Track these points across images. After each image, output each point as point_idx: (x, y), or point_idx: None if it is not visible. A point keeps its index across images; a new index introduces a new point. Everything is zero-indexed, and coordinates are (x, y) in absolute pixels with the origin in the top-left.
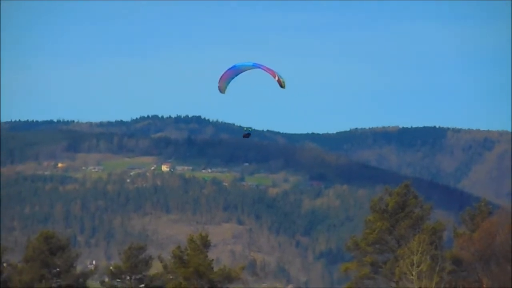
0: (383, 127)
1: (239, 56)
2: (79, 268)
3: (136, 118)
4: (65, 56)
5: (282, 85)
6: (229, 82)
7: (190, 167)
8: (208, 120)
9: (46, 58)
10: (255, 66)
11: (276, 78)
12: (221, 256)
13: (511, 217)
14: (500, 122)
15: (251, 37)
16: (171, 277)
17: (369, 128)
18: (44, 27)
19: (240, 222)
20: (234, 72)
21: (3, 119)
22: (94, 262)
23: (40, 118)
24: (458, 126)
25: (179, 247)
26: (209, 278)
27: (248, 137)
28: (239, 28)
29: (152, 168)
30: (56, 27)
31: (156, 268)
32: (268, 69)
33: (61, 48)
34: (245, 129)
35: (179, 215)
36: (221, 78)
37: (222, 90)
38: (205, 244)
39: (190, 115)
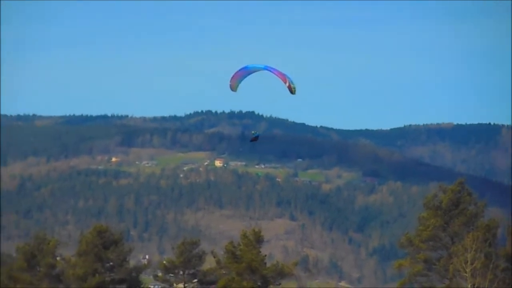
0: (437, 123)
1: (287, 50)
2: (132, 263)
3: (190, 114)
4: (120, 50)
5: (292, 91)
6: (240, 81)
7: (244, 163)
8: (262, 115)
9: (101, 52)
10: (266, 68)
11: (287, 84)
12: (274, 252)
13: None
14: None
15: (299, 32)
16: (224, 272)
17: (423, 125)
18: (95, 22)
19: (293, 218)
20: (245, 72)
21: (59, 113)
22: (147, 257)
23: (95, 112)
24: None
25: (232, 242)
26: (262, 273)
27: (256, 140)
28: (286, 23)
29: (206, 163)
30: (110, 21)
31: (209, 263)
32: (280, 73)
33: (115, 42)
34: (252, 132)
35: (232, 211)
36: (232, 77)
37: (233, 88)
38: (258, 239)
39: (243, 111)
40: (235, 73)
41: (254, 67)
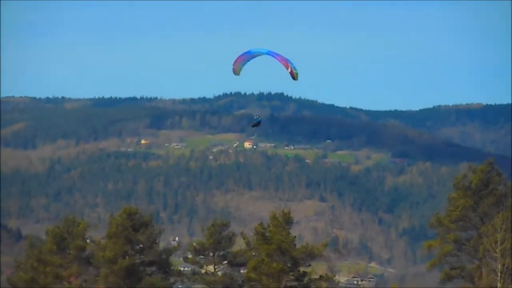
0: (467, 104)
1: (315, 31)
2: (162, 245)
3: (219, 95)
4: (149, 33)
5: (294, 77)
6: (243, 64)
7: (273, 144)
8: (291, 97)
9: (130, 34)
10: (269, 53)
11: (289, 70)
12: (304, 233)
13: None
14: None
15: (329, 12)
16: (253, 253)
17: (453, 105)
18: (125, 4)
19: (322, 199)
20: (248, 57)
21: (88, 96)
22: (177, 239)
23: (124, 95)
24: None
25: (261, 224)
26: (292, 255)
27: (258, 125)
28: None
29: (235, 145)
30: (140, 4)
31: (238, 245)
32: (282, 59)
33: (144, 24)
34: (256, 117)
35: (262, 192)
36: (235, 61)
37: (236, 72)
38: (288, 221)
39: (272, 92)
40: (238, 57)
41: (256, 51)
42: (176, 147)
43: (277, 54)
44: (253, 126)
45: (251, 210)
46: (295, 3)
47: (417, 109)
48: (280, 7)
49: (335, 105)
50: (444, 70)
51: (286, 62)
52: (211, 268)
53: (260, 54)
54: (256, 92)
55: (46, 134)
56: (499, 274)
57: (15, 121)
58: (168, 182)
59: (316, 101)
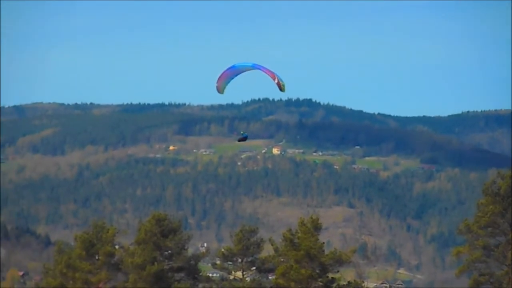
0: (495, 110)
1: (344, 37)
2: (190, 251)
3: (247, 101)
4: (178, 40)
5: (281, 89)
6: (228, 82)
7: (301, 150)
8: (319, 103)
9: (159, 41)
10: (255, 67)
11: (276, 81)
12: (332, 239)
13: None
14: None
15: (357, 18)
16: (282, 260)
17: (481, 111)
18: (153, 10)
19: (351, 205)
20: (233, 72)
21: (116, 102)
22: (205, 245)
23: (152, 101)
24: None
25: (290, 230)
26: (320, 261)
27: (244, 140)
28: (344, 7)
29: (263, 151)
30: (168, 8)
31: (267, 251)
32: (268, 71)
33: (172, 30)
34: (241, 133)
35: (290, 198)
36: (219, 78)
37: (220, 90)
38: (316, 227)
39: (301, 98)
40: (222, 73)
41: (242, 65)
42: (204, 153)
43: (263, 67)
44: (239, 140)
45: (279, 216)
46: (327, 8)
47: (446, 115)
48: (310, 12)
49: (364, 111)
50: (473, 76)
51: (273, 74)
52: (239, 274)
53: (246, 69)
54: (284, 98)
55: (75, 140)
56: None
57: (44, 127)
58: (197, 188)
59: (345, 107)
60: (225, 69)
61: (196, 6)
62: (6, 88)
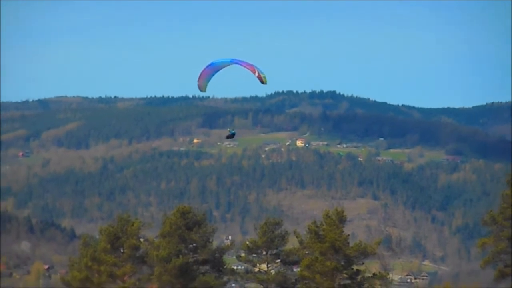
0: None
1: (366, 29)
2: (215, 243)
3: (271, 94)
4: (201, 32)
5: (263, 81)
6: (208, 80)
7: (325, 142)
8: (343, 95)
9: (181, 33)
10: (233, 62)
11: (256, 74)
12: (357, 231)
13: None
14: None
15: (381, 9)
16: (306, 252)
17: (506, 102)
18: (175, 3)
19: (375, 197)
20: (212, 69)
21: (140, 95)
22: (230, 237)
23: (176, 94)
24: None
25: (314, 222)
26: (345, 253)
27: (232, 137)
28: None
29: (287, 143)
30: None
31: (291, 243)
32: (248, 65)
33: (195, 23)
34: (228, 130)
35: (314, 190)
36: (200, 76)
37: (202, 88)
38: (341, 219)
39: (324, 90)
40: (202, 72)
41: (220, 62)
42: (228, 146)
43: (242, 61)
44: (227, 137)
45: (304, 208)
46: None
47: (470, 106)
48: (334, 4)
49: (388, 102)
50: (497, 67)
51: (252, 68)
52: (264, 266)
53: (225, 65)
54: (308, 91)
55: (99, 133)
56: None
57: (68, 120)
58: (221, 181)
59: (369, 99)
60: (205, 67)
61: None
62: (30, 82)
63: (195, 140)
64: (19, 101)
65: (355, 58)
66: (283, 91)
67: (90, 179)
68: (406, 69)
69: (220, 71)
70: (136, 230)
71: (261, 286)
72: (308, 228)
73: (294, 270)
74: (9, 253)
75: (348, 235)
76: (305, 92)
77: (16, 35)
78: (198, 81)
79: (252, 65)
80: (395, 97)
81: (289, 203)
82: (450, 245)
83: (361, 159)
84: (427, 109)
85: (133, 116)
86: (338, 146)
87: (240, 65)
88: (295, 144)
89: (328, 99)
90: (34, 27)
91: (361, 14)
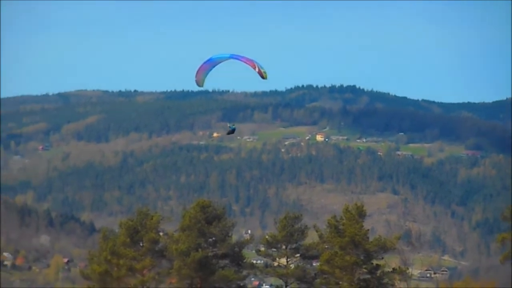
0: None
1: (390, 24)
2: (234, 237)
3: (291, 88)
4: (220, 26)
5: (263, 76)
6: (206, 75)
7: (345, 137)
8: (363, 89)
9: (200, 27)
10: (233, 57)
11: (257, 70)
12: (376, 226)
13: None
14: None
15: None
16: (326, 246)
17: None
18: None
19: (395, 192)
20: (211, 64)
21: (160, 89)
22: (249, 231)
23: (196, 88)
24: None
25: (334, 216)
26: (365, 247)
27: (232, 133)
28: None
29: (307, 138)
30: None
31: (311, 237)
32: (247, 60)
33: (216, 17)
34: (229, 125)
35: (334, 185)
36: (198, 71)
37: (199, 83)
38: (361, 213)
39: (344, 85)
40: (200, 67)
41: (219, 57)
42: (248, 140)
43: (241, 56)
44: (228, 133)
45: (323, 202)
46: None
47: (490, 101)
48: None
49: (408, 97)
50: None
51: (252, 63)
52: (283, 261)
53: (223, 60)
54: (328, 85)
55: (119, 127)
56: None
57: (88, 114)
58: (240, 175)
59: (389, 94)
60: (203, 62)
61: None
62: (50, 75)
63: (214, 134)
64: (39, 94)
65: (376, 52)
66: (303, 85)
67: (110, 172)
68: (426, 64)
69: (239, 64)
70: (156, 224)
71: (281, 280)
72: (328, 223)
73: (314, 264)
74: (28, 246)
75: (368, 229)
76: (325, 86)
77: (37, 29)
78: (196, 76)
79: (252, 60)
80: (415, 92)
81: (308, 197)
82: (469, 240)
83: (381, 154)
84: (447, 104)
85: (153, 110)
86: (358, 140)
87: (240, 60)
88: (315, 139)
89: (348, 93)
90: (55, 20)
91: (382, 8)
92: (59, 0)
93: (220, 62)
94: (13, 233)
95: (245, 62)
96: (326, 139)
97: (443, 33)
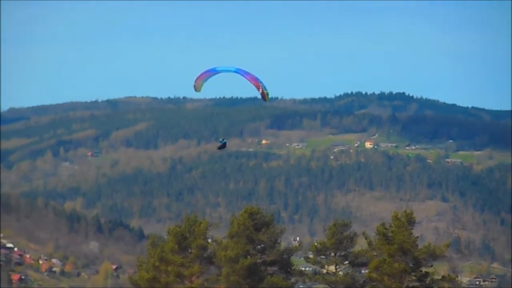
0: None
1: (435, 31)
2: (283, 244)
3: (340, 95)
4: (273, 32)
5: (265, 98)
6: (205, 81)
7: (394, 144)
8: (412, 96)
9: (250, 34)
10: (238, 72)
11: (260, 91)
12: (425, 233)
13: None
14: None
15: (449, 11)
16: (375, 254)
17: None
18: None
19: (444, 199)
20: (212, 73)
21: (209, 96)
22: (298, 238)
23: (245, 95)
24: None
25: (383, 224)
26: (414, 255)
27: (223, 147)
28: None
29: (356, 145)
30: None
31: (360, 245)
32: (252, 79)
33: (267, 23)
34: (220, 140)
35: (383, 192)
36: (198, 77)
37: (197, 89)
38: (410, 221)
39: (394, 92)
40: (201, 73)
41: (223, 70)
42: (297, 147)
43: (247, 74)
44: (218, 148)
45: (372, 210)
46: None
47: None
48: (403, 5)
49: (457, 104)
50: None
51: (256, 82)
52: (332, 268)
53: (227, 72)
54: (377, 92)
55: (168, 134)
56: None
57: (137, 121)
58: (289, 182)
59: (438, 101)
60: (206, 70)
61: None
62: (100, 82)
63: (263, 141)
64: (89, 101)
65: (425, 59)
66: (352, 92)
67: (159, 179)
68: (476, 71)
69: (289, 72)
70: (204, 231)
71: (329, 287)
72: (377, 230)
73: (363, 272)
74: (77, 252)
75: (417, 237)
76: (374, 93)
77: (88, 37)
78: (195, 81)
79: (256, 80)
80: (465, 99)
81: (357, 204)
82: None
83: (430, 161)
84: (497, 111)
85: (202, 117)
86: (407, 148)
87: (244, 77)
88: (364, 146)
89: (397, 100)
90: (103, 27)
91: (431, 14)
92: (109, 6)
93: (221, 72)
94: (62, 239)
95: (249, 80)
96: (375, 146)
97: (494, 40)
